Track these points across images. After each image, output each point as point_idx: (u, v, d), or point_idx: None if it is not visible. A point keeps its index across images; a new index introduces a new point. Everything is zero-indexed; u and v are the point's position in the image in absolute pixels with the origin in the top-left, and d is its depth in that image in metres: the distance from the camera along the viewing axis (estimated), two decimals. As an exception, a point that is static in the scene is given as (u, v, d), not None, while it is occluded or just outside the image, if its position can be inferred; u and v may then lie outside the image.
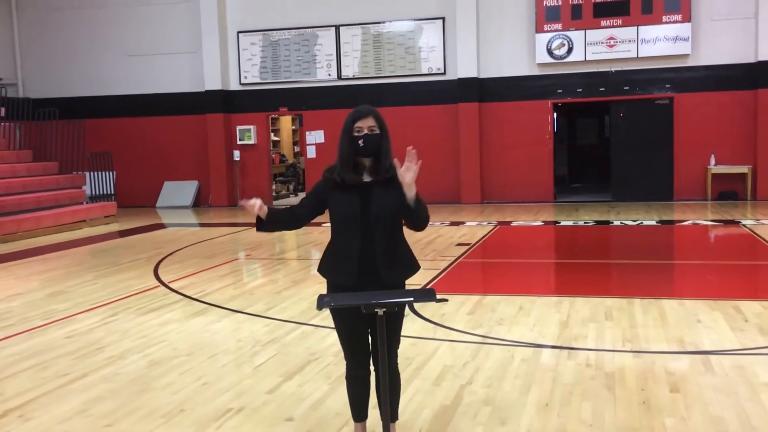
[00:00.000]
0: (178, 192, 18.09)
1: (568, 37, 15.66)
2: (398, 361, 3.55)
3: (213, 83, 17.60)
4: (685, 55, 15.23)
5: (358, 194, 3.32)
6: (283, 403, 4.37)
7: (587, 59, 15.65)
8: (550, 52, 15.79)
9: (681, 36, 15.12)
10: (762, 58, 14.75)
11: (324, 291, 3.42)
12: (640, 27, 15.28)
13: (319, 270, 3.49)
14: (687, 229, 11.82)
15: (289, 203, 17.67)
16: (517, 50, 16.12)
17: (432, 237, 11.20)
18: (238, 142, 17.79)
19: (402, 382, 4.01)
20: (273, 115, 18.59)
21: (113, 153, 17.80)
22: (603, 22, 15.47)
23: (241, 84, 17.71)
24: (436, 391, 4.46)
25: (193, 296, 7.47)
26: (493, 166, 16.42)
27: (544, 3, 15.72)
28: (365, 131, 3.29)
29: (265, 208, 3.29)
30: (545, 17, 15.73)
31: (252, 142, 17.71)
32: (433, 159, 16.57)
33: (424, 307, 6.37)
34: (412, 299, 3.19)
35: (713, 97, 15.26)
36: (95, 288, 8.11)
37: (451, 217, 13.93)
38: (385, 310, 3.01)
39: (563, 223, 12.97)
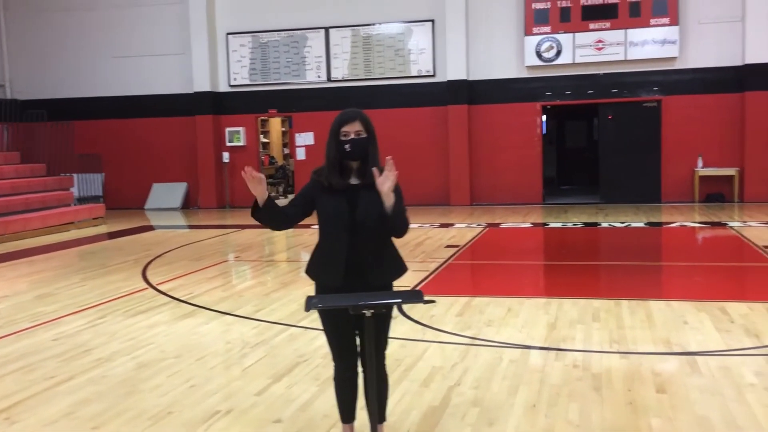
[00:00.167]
0: (167, 194, 18.04)
1: (557, 39, 15.72)
2: (387, 362, 3.56)
3: (202, 85, 17.56)
4: (673, 58, 15.33)
5: (345, 197, 3.34)
6: (271, 404, 4.37)
7: (576, 62, 15.72)
8: (539, 54, 15.86)
9: (669, 39, 15.22)
10: (749, 61, 14.87)
11: (312, 293, 3.43)
12: (628, 30, 15.37)
13: (307, 272, 3.50)
14: (674, 231, 11.89)
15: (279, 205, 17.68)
16: (506, 53, 16.17)
17: (421, 239, 11.22)
18: (228, 144, 17.75)
19: (390, 383, 4.01)
20: (262, 117, 18.57)
21: (102, 155, 17.75)
22: (591, 25, 15.55)
23: (230, 86, 17.68)
24: (425, 393, 4.47)
25: (182, 298, 7.45)
26: (483, 168, 16.46)
27: (533, 6, 15.79)
28: (352, 135, 3.31)
29: (267, 193, 3.30)
30: (534, 20, 15.79)
31: (241, 143, 17.68)
32: (423, 161, 16.63)
33: (413, 309, 6.38)
34: (399, 300, 3.20)
35: (701, 99, 15.36)
36: (83, 290, 8.07)
37: (440, 219, 13.95)
38: (372, 311, 3.03)
39: (552, 224, 13.02)
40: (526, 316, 6.28)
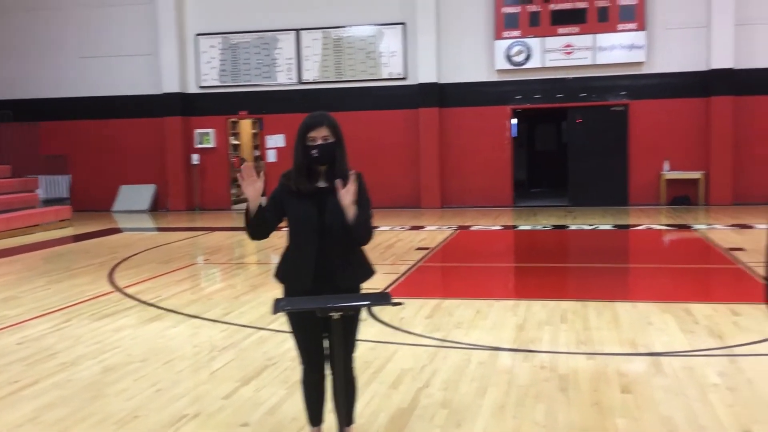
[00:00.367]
0: (135, 196, 17.83)
1: (527, 44, 15.86)
2: (355, 364, 3.56)
3: (171, 86, 17.40)
4: (640, 63, 15.55)
5: (313, 201, 3.34)
6: (239, 408, 4.34)
7: (545, 66, 15.87)
8: (508, 58, 15.98)
9: (636, 44, 15.44)
10: (714, 66, 15.13)
11: (281, 295, 3.42)
12: (596, 35, 15.56)
13: (276, 275, 3.50)
14: (641, 233, 12.06)
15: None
16: (476, 56, 16.28)
17: (392, 241, 11.24)
18: (197, 146, 17.61)
19: (359, 385, 4.02)
20: (233, 119, 18.45)
21: (68, 156, 17.50)
22: (560, 30, 15.72)
23: (200, 87, 17.55)
24: (393, 395, 4.48)
25: (149, 301, 7.37)
26: (453, 170, 16.54)
27: (503, 10, 15.91)
28: (319, 141, 3.31)
29: (260, 199, 3.28)
30: (504, 24, 15.92)
31: (211, 145, 17.56)
32: (394, 163, 16.66)
33: (383, 311, 6.38)
34: (367, 303, 3.20)
35: (667, 104, 15.60)
36: (48, 293, 7.95)
37: (411, 222, 13.98)
38: (340, 314, 3.03)
39: (522, 227, 13.13)
40: (495, 318, 6.32)
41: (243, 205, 15.25)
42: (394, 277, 8.34)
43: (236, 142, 20.24)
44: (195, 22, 17.44)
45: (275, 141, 17.09)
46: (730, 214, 13.63)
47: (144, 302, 7.34)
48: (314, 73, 16.98)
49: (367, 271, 3.50)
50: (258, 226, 3.35)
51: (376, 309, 6.42)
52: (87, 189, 17.98)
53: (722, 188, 15.30)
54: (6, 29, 18.17)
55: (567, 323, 6.08)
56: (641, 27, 15.37)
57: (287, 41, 17.00)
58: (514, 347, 5.47)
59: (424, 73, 16.32)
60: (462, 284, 8.45)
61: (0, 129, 16.18)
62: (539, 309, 6.59)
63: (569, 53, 15.75)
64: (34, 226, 13.97)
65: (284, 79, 17.12)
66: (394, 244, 10.93)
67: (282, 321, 6.08)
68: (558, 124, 19.63)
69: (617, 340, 5.57)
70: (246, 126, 20.97)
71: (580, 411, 4.14)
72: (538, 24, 15.77)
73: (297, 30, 16.93)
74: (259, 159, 20.18)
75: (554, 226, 13.07)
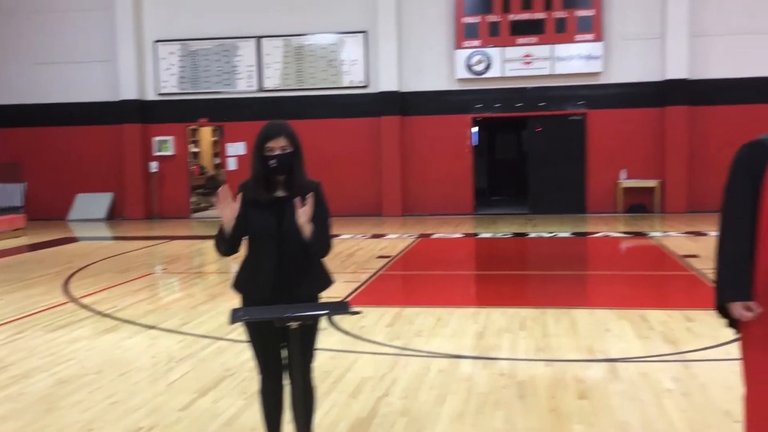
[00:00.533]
0: (92, 204, 17.51)
1: (487, 53, 16.03)
2: (315, 374, 3.54)
3: (129, 93, 17.17)
4: (598, 73, 15.83)
5: (272, 210, 3.33)
6: (196, 420, 4.28)
7: (505, 75, 16.05)
8: (469, 67, 16.13)
9: (593, 55, 15.71)
10: (669, 76, 15.47)
11: (239, 305, 3.38)
12: (554, 45, 15.80)
13: (235, 286, 3.46)
14: (599, 240, 12.25)
15: (210, 216, 17.41)
16: (437, 65, 16.39)
17: (353, 249, 11.22)
18: (156, 153, 17.39)
19: (319, 395, 4.00)
20: (192, 126, 18.27)
21: (22, 164, 17.12)
22: (519, 40, 15.92)
23: (158, 94, 17.34)
24: (353, 404, 4.46)
25: (105, 312, 7.24)
26: (415, 179, 16.60)
27: (463, 20, 16.06)
28: (277, 151, 3.29)
29: (234, 221, 3.24)
30: (464, 34, 16.07)
31: (170, 153, 17.35)
32: (355, 171, 16.66)
33: (344, 320, 6.37)
34: (324, 312, 3.18)
35: (624, 113, 15.89)
36: (0, 304, 7.74)
37: (372, 230, 13.99)
38: (298, 323, 3.02)
39: (482, 235, 13.23)
40: (455, 326, 6.34)
41: (203, 214, 14.92)
42: (355, 285, 8.32)
43: (196, 150, 20.05)
44: (153, 28, 17.25)
45: (236, 149, 16.96)
46: (685, 222, 13.92)
47: (99, 313, 7.21)
48: (275, 80, 16.91)
49: (326, 281, 3.49)
50: (233, 246, 3.33)
51: (336, 318, 6.40)
52: (42, 197, 17.61)
53: (677, 196, 15.62)
54: (-42, 34, 17.75)
55: (526, 330, 6.14)
56: (598, 38, 15.65)
57: (248, 48, 16.91)
58: (474, 355, 5.49)
59: (386, 82, 16.38)
60: (423, 292, 8.47)
61: (-49, 136, 15.77)
62: (499, 316, 6.63)
63: (528, 63, 15.95)
64: (-13, 235, 13.63)
65: (245, 86, 17.02)
66: (356, 253, 10.92)
67: (241, 331, 6.01)
68: (518, 133, 19.85)
69: (575, 346, 5.64)
70: (206, 134, 20.81)
71: (538, 418, 4.18)
72: (497, 34, 15.96)
73: (258, 37, 16.85)
74: (220, 167, 20.03)
75: (514, 233, 13.19)
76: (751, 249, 2.73)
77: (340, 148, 16.59)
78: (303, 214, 3.20)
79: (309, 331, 3.37)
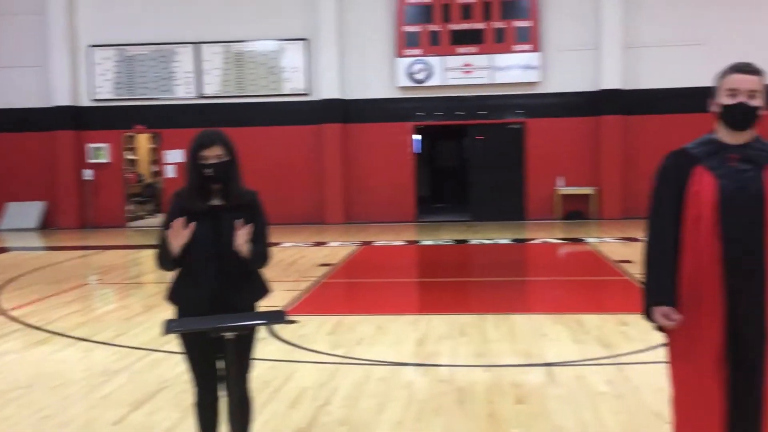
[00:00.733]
0: (23, 213, 16.93)
1: (428, 62, 16.17)
2: (254, 384, 3.49)
3: (62, 99, 16.70)
4: (536, 83, 16.14)
5: (208, 219, 3.28)
6: (129, 434, 4.17)
7: (446, 84, 16.22)
8: (410, 76, 16.24)
9: (531, 65, 16.01)
10: (604, 86, 15.88)
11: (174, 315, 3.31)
12: (493, 55, 16.04)
13: (169, 298, 3.38)
14: (537, 247, 12.46)
15: (147, 224, 17.04)
16: (379, 73, 16.46)
17: (295, 258, 11.14)
18: (90, 161, 16.94)
19: (257, 406, 3.94)
20: (129, 133, 17.88)
21: (-52, 171, 16.46)
22: (460, 50, 16.12)
23: (93, 100, 16.92)
24: (292, 414, 4.41)
25: (35, 324, 6.99)
26: (357, 186, 16.61)
27: (404, 29, 16.17)
28: (213, 159, 3.24)
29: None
30: (405, 43, 16.18)
31: (105, 160, 16.93)
32: (297, 179, 16.57)
33: (283, 329, 6.30)
34: (261, 322, 3.14)
35: (561, 122, 16.24)
36: None
37: (314, 238, 13.92)
38: (234, 333, 2.97)
39: (424, 242, 13.31)
40: (396, 334, 6.35)
41: (140, 223, 14.60)
42: (296, 293, 8.26)
43: (133, 158, 19.63)
44: (88, 33, 16.82)
45: (174, 156, 16.65)
46: (620, 228, 14.28)
47: (30, 325, 6.96)
48: (215, 87, 16.70)
49: (263, 290, 3.45)
50: (178, 264, 3.27)
51: (276, 327, 6.33)
52: (-30, 206, 16.95)
53: (612, 203, 16.02)
54: None
55: (466, 336, 6.19)
56: (536, 48, 15.97)
57: (186, 54, 16.65)
58: (414, 362, 5.51)
59: (327, 89, 16.36)
60: (364, 300, 8.46)
61: None
62: (439, 323, 6.67)
63: (468, 72, 16.16)
64: None
65: (183, 93, 16.74)
66: (297, 261, 10.84)
67: (178, 341, 5.91)
68: (459, 141, 20.08)
69: (513, 351, 5.71)
70: (143, 141, 20.38)
71: (476, 423, 4.21)
72: (438, 43, 16.12)
73: (196, 43, 16.62)
74: (157, 175, 19.64)
75: (456, 240, 13.32)
76: (676, 255, 2.81)
77: (281, 155, 16.48)
78: (241, 237, 3.16)
79: (245, 341, 3.32)
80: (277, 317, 3.09)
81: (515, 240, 13.20)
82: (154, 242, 3.37)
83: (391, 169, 16.55)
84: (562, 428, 4.10)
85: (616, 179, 15.96)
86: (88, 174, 16.91)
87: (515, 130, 16.45)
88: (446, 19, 16.08)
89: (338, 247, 12.48)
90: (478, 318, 6.83)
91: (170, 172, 16.78)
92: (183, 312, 3.34)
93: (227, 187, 3.30)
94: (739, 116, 2.77)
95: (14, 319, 7.25)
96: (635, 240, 12.35)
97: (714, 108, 2.85)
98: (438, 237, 13.88)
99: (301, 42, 16.48)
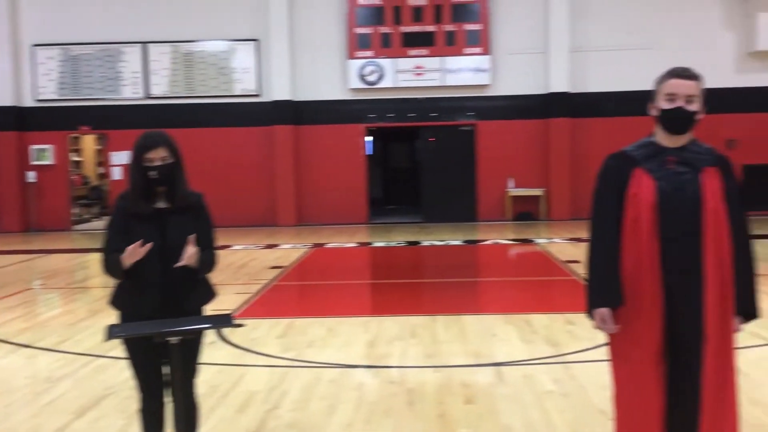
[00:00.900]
0: (-37, 216, 16.40)
1: (379, 64, 16.20)
2: (202, 389, 3.45)
3: (4, 99, 16.22)
4: (486, 86, 16.30)
5: (154, 222, 3.23)
6: (73, 442, 4.07)
7: (397, 86, 16.28)
8: (362, 77, 16.25)
9: (481, 67, 16.18)
10: (552, 89, 16.14)
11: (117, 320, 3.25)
12: (444, 58, 16.16)
13: (113, 303, 3.31)
14: (488, 248, 12.59)
15: (93, 227, 16.67)
16: (330, 75, 16.42)
17: (245, 260, 11.04)
18: (34, 162, 16.50)
19: (205, 411, 3.89)
20: (74, 134, 17.46)
21: None
22: (411, 52, 16.19)
23: (36, 100, 16.48)
24: (241, 419, 4.37)
25: (-25, 331, 6.78)
26: (309, 188, 16.54)
27: (355, 30, 16.18)
28: (158, 162, 3.19)
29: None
30: (357, 44, 16.18)
31: (49, 162, 16.50)
32: (248, 181, 16.43)
33: (233, 333, 6.23)
34: (206, 326, 3.10)
35: (511, 124, 16.44)
36: None
37: (266, 240, 13.81)
38: (179, 338, 2.93)
39: (376, 244, 13.32)
40: (347, 336, 6.34)
41: (86, 226, 14.26)
42: (247, 296, 8.18)
43: (78, 159, 19.20)
44: (31, 32, 16.38)
45: (120, 158, 16.30)
46: (568, 229, 14.52)
47: (-31, 332, 6.74)
48: (163, 87, 16.43)
49: (209, 294, 3.41)
50: (127, 275, 3.20)
51: (225, 331, 6.26)
52: None
53: (561, 204, 16.28)
54: None
55: (416, 338, 6.21)
56: (486, 51, 16.13)
57: (133, 54, 16.35)
58: (365, 364, 5.51)
59: (278, 91, 16.26)
60: (316, 302, 8.43)
61: None
62: (390, 325, 6.69)
63: (420, 74, 16.25)
64: None
65: (130, 93, 16.43)
66: (248, 263, 10.74)
67: (122, 347, 5.79)
68: (411, 143, 20.16)
69: (463, 352, 5.76)
70: (89, 142, 19.94)
71: (426, 424, 4.23)
72: (389, 45, 16.17)
73: (144, 43, 16.33)
74: (104, 177, 19.24)
75: (408, 242, 13.36)
76: (618, 256, 2.87)
77: (232, 157, 16.31)
78: (189, 258, 3.13)
79: (191, 345, 3.28)
80: (223, 321, 3.06)
81: (467, 241, 13.32)
82: (99, 246, 3.30)
83: (343, 170, 16.53)
84: (510, 427, 4.15)
85: (564, 181, 16.22)
86: (31, 176, 16.46)
87: (466, 132, 16.60)
88: (397, 21, 16.14)
89: (290, 250, 12.41)
90: (429, 319, 6.87)
91: (117, 174, 16.42)
92: (127, 317, 3.28)
93: (172, 189, 3.25)
94: (676, 121, 2.84)
95: (-48, 326, 7.01)
96: (583, 240, 12.57)
97: (653, 112, 2.92)
98: (390, 238, 13.91)
99: (252, 43, 16.34)
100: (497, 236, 13.82)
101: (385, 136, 19.71)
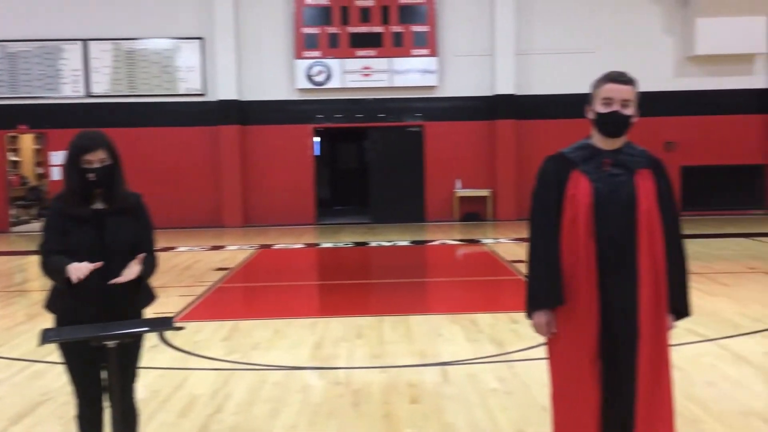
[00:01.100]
0: None
1: (327, 64, 16.16)
2: (143, 394, 3.39)
3: (-62, 96, 15.67)
4: (433, 87, 16.42)
5: (92, 224, 3.16)
6: (6, 451, 3.95)
7: (345, 87, 16.26)
8: (309, 78, 16.18)
9: (429, 69, 16.28)
10: (498, 91, 16.34)
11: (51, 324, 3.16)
12: (392, 59, 16.22)
13: (48, 307, 3.22)
14: (436, 248, 12.68)
15: (31, 229, 16.19)
16: (277, 75, 16.31)
17: (190, 262, 10.87)
18: (-30, 162, 15.97)
19: (146, 416, 3.81)
20: (11, 134, 16.94)
21: None
22: (359, 53, 16.19)
23: (-28, 98, 15.95)
24: (182, 423, 4.30)
25: None
26: (256, 189, 16.39)
27: (303, 30, 16.10)
28: (96, 164, 3.12)
29: None
30: (304, 44, 16.11)
31: (-14, 162, 16.00)
32: (193, 182, 16.19)
33: (176, 336, 6.13)
34: (144, 329, 3.04)
35: (458, 126, 16.59)
36: None
37: (211, 242, 13.63)
38: (117, 342, 2.86)
39: (324, 245, 13.28)
40: (293, 337, 6.31)
41: (24, 227, 13.86)
42: (191, 299, 8.06)
43: (16, 159, 18.65)
44: (-34, 26, 15.85)
45: (60, 158, 15.88)
46: (514, 229, 14.72)
47: None
48: (104, 86, 16.07)
49: (149, 296, 3.35)
50: (69, 285, 3.09)
51: (168, 334, 6.15)
52: None
53: (507, 205, 16.50)
54: None
55: (363, 338, 6.21)
56: (433, 53, 16.24)
57: (73, 51, 15.94)
58: (311, 365, 5.48)
59: (224, 90, 16.07)
60: (262, 304, 8.36)
61: None
62: (337, 326, 6.67)
63: (368, 75, 16.26)
64: None
65: (70, 91, 16.02)
66: (193, 265, 10.58)
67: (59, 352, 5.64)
68: (359, 143, 20.16)
69: (409, 352, 5.78)
70: (27, 141, 19.38)
71: (371, 424, 4.23)
72: (337, 46, 16.14)
73: (84, 40, 15.94)
74: (43, 177, 18.71)
75: (355, 243, 13.36)
76: (558, 256, 2.93)
77: (176, 157, 16.06)
78: (125, 277, 3.06)
79: (130, 349, 3.22)
80: (161, 324, 3.00)
81: (414, 242, 13.38)
82: (37, 248, 3.20)
83: (290, 171, 16.43)
84: (454, 426, 4.18)
85: (510, 181, 16.44)
86: (-34, 176, 15.92)
87: (414, 133, 16.68)
88: (345, 21, 16.12)
89: (236, 251, 12.27)
90: (376, 320, 6.87)
91: (56, 174, 16.00)
92: (63, 320, 3.19)
93: (110, 190, 3.19)
94: (613, 124, 2.91)
95: None
96: (528, 240, 12.76)
97: (590, 115, 2.98)
98: (338, 239, 13.88)
99: (197, 41, 16.11)
100: (444, 237, 13.92)
101: (332, 136, 19.66)
